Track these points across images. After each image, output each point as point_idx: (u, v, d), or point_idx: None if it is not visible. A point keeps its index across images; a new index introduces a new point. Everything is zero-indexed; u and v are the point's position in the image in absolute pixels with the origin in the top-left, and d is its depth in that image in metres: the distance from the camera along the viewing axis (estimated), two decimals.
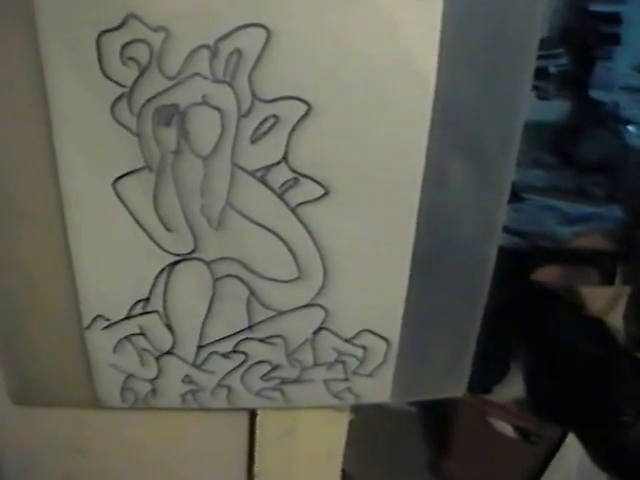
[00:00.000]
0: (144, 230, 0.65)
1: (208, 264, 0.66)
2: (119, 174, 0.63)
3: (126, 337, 0.71)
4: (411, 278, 0.69)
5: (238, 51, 0.57)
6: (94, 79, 0.59)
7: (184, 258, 0.66)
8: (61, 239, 0.66)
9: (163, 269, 0.67)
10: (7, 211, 0.65)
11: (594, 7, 1.68)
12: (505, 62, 0.62)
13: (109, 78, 0.59)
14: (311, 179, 0.62)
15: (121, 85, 0.59)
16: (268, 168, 0.62)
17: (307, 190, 0.62)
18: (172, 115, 0.59)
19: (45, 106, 0.61)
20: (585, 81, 1.68)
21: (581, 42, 1.69)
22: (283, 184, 0.62)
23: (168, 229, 0.64)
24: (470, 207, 0.68)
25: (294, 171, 0.62)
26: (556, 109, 1.67)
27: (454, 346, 0.76)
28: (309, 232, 0.64)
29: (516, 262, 1.28)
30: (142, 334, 0.70)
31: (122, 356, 0.71)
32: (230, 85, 0.58)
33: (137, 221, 0.64)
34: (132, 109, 0.60)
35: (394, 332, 0.71)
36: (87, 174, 0.63)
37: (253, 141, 0.60)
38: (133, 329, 0.70)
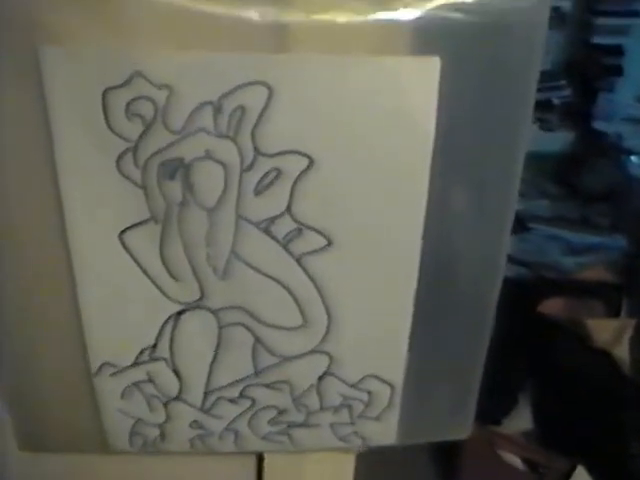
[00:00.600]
0: (150, 279, 0.66)
1: (214, 312, 0.67)
2: (125, 226, 0.64)
3: (134, 383, 0.71)
4: (414, 322, 0.70)
5: (241, 108, 0.58)
6: (100, 134, 0.60)
7: (190, 306, 0.67)
8: (69, 288, 0.67)
9: (169, 317, 0.68)
10: (15, 261, 0.66)
11: (596, 39, 1.70)
12: (505, 99, 0.62)
13: (115, 133, 0.60)
14: (314, 230, 0.63)
15: (126, 140, 0.60)
16: (272, 219, 0.63)
17: (310, 240, 0.63)
18: (177, 169, 0.61)
19: (51, 159, 0.62)
20: (588, 112, 1.70)
21: (584, 74, 1.71)
22: (287, 235, 0.63)
23: (174, 278, 0.65)
24: (472, 245, 0.69)
25: (297, 222, 0.63)
26: (560, 140, 1.69)
27: (458, 388, 0.76)
28: (313, 281, 0.65)
29: (522, 294, 1.29)
30: (150, 380, 0.71)
31: (130, 402, 0.72)
32: (233, 140, 0.59)
33: (144, 271, 0.65)
34: (137, 163, 0.61)
35: (398, 377, 0.72)
36: (94, 226, 0.64)
37: (257, 193, 0.61)
38: (141, 376, 0.71)
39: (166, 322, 0.68)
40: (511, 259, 0.99)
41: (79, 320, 0.69)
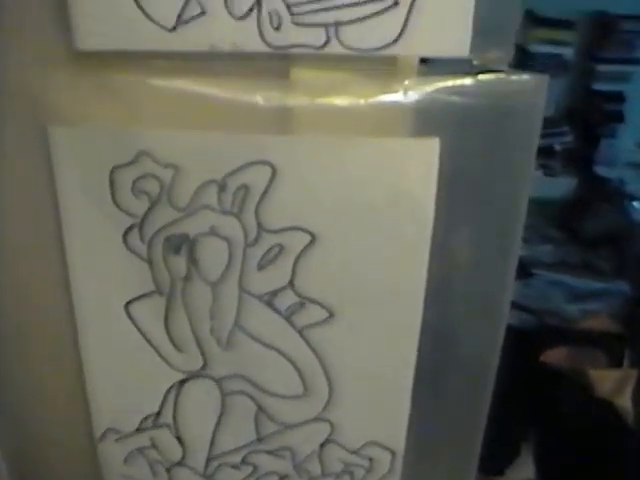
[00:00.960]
0: (155, 349, 0.67)
1: (217, 381, 0.68)
2: (131, 297, 0.65)
3: (137, 449, 0.72)
4: (414, 388, 0.71)
5: (245, 186, 0.60)
6: (107, 210, 0.61)
7: (193, 375, 0.68)
8: (73, 355, 0.68)
9: (173, 385, 0.69)
10: (21, 328, 0.68)
11: (597, 86, 1.72)
12: (504, 172, 0.64)
13: (121, 209, 0.61)
14: (316, 303, 0.64)
15: (132, 215, 0.61)
16: (275, 293, 0.64)
17: (312, 313, 0.64)
18: (181, 244, 0.62)
19: (59, 233, 0.63)
20: (590, 158, 1.72)
21: (585, 120, 1.73)
22: (289, 307, 0.64)
23: (178, 348, 0.66)
24: (473, 306, 0.70)
25: (300, 296, 0.64)
26: (562, 186, 1.70)
27: (459, 452, 0.77)
28: (315, 352, 0.66)
29: (525, 342, 1.29)
30: (153, 446, 0.72)
31: (133, 467, 0.73)
32: (237, 217, 0.61)
33: (148, 340, 0.66)
34: (143, 238, 0.62)
35: (399, 443, 0.73)
36: (99, 296, 0.65)
37: (260, 268, 0.63)
38: (144, 441, 0.72)
39: (169, 390, 0.68)
40: (514, 305, 1.00)
41: (83, 386, 0.69)
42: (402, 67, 0.59)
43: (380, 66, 0.59)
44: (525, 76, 0.59)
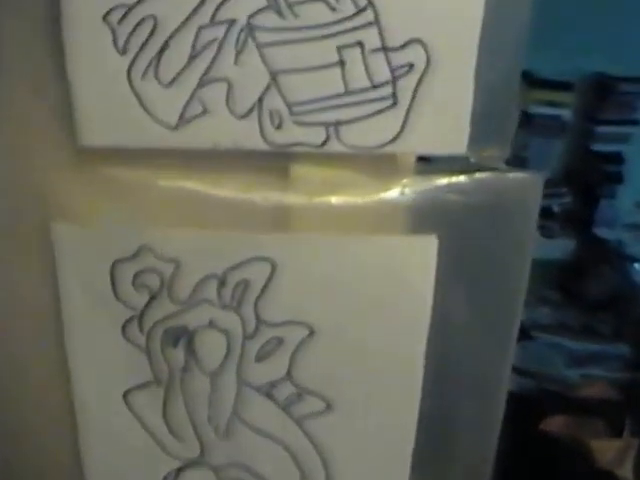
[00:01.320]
0: (152, 436, 0.67)
1: (214, 469, 0.68)
2: (129, 386, 0.65)
3: None
4: (412, 469, 0.71)
5: (245, 281, 0.60)
6: (107, 301, 0.62)
7: (190, 463, 0.68)
8: (71, 441, 0.68)
9: (169, 473, 0.68)
10: (20, 419, 0.68)
11: (597, 147, 1.74)
12: (503, 265, 0.64)
13: (121, 301, 0.62)
14: (314, 394, 0.64)
15: (132, 308, 0.62)
16: (273, 384, 0.64)
17: (310, 404, 0.65)
18: (180, 336, 0.62)
19: (59, 323, 0.64)
20: (589, 219, 1.73)
21: (584, 181, 1.74)
22: (287, 398, 0.64)
23: (176, 436, 0.67)
24: (471, 391, 0.70)
25: (297, 387, 0.64)
26: (561, 247, 1.71)
27: None
28: (312, 442, 0.66)
29: (524, 410, 1.29)
30: None
31: None
32: (236, 311, 0.61)
33: (145, 428, 0.67)
34: (142, 329, 0.63)
35: None
36: (99, 386, 0.66)
37: (258, 360, 0.63)
38: None
39: (166, 477, 0.68)
40: (513, 369, 1.00)
41: (81, 472, 0.69)
42: (401, 164, 0.60)
43: (379, 164, 0.60)
44: (521, 174, 0.60)
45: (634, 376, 1.38)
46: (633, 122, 1.74)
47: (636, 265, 1.63)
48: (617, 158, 1.71)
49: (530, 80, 1.64)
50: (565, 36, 1.61)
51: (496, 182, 0.60)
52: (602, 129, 1.75)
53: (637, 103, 1.77)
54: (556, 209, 1.65)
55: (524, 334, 1.50)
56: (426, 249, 0.60)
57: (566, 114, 1.75)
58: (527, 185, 0.60)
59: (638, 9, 1.63)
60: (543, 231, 1.65)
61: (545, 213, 1.65)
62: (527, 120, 1.67)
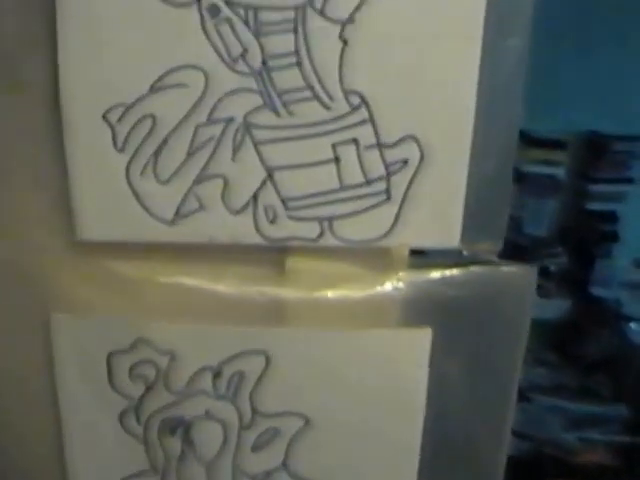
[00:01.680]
0: None
1: None
2: (125, 475, 0.65)
3: None
4: None
5: (240, 373, 0.61)
6: (103, 392, 0.62)
7: None
8: None
9: None
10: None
11: (591, 206, 1.74)
12: (498, 352, 0.65)
13: (117, 392, 0.62)
14: None
15: (129, 398, 0.62)
16: (268, 473, 0.64)
17: None
18: (177, 426, 0.62)
19: (56, 409, 0.64)
20: (585, 278, 1.72)
21: (579, 240, 1.74)
22: None
23: None
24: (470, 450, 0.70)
25: (293, 476, 0.64)
26: (557, 307, 1.70)
27: None
28: None
29: (523, 475, 1.28)
30: None
31: None
32: (232, 402, 0.62)
33: None
34: (139, 419, 0.63)
35: None
36: (95, 475, 0.66)
37: (254, 449, 0.63)
38: None
39: None
40: (512, 432, 0.99)
41: None
42: (395, 258, 0.61)
43: (373, 257, 0.61)
44: (514, 267, 0.61)
45: (633, 440, 1.37)
46: (628, 180, 1.75)
47: (633, 325, 1.62)
48: (612, 217, 1.71)
49: (523, 139, 1.65)
50: (559, 95, 1.62)
51: (490, 275, 0.61)
52: (596, 187, 1.75)
53: (631, 161, 1.78)
54: (551, 269, 1.65)
55: (521, 396, 1.49)
56: (420, 341, 0.60)
57: (560, 173, 1.75)
58: (521, 277, 0.61)
59: (635, 70, 1.65)
60: (539, 291, 1.64)
61: (540, 273, 1.65)
62: (521, 179, 1.67)
